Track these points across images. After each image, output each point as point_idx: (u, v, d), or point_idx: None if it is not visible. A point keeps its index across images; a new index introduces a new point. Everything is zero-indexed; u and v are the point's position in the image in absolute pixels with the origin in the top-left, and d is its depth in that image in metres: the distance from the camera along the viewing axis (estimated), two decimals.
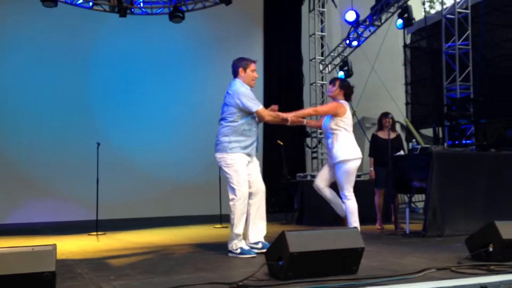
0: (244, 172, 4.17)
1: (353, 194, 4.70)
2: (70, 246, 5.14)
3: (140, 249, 4.85)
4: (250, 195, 4.23)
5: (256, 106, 4.22)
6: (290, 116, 4.52)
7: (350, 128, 4.84)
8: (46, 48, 9.71)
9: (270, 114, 4.35)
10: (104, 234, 6.50)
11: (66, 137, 9.61)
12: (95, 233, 6.49)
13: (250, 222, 4.25)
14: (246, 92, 4.24)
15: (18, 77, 9.58)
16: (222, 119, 4.30)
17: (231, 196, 4.15)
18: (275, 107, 4.47)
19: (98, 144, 6.78)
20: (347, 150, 4.70)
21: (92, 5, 9.91)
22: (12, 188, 9.15)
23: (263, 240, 4.25)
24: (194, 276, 3.21)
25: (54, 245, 2.56)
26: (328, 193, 4.87)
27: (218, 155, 4.24)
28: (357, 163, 4.74)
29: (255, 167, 4.35)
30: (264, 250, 3.64)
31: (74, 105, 9.87)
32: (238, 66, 4.38)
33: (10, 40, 9.54)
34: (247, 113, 4.22)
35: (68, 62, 9.85)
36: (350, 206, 4.69)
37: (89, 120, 9.87)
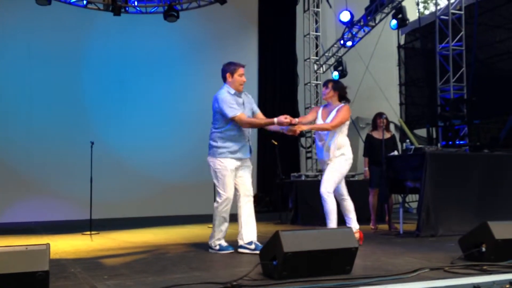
0: (230, 177, 4.28)
1: (332, 194, 4.63)
2: (63, 246, 5.12)
3: (134, 249, 4.84)
4: (239, 197, 4.34)
5: (233, 112, 4.22)
6: (304, 127, 4.58)
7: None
8: (40, 47, 9.67)
9: (248, 122, 4.33)
10: (98, 233, 6.48)
11: (60, 136, 9.58)
12: (89, 232, 6.46)
13: (243, 223, 4.32)
14: (227, 98, 4.27)
15: (11, 75, 9.54)
16: (212, 124, 4.42)
17: (216, 199, 4.36)
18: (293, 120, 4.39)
19: (92, 143, 6.76)
20: (348, 149, 4.75)
21: (86, 3, 9.88)
22: (5, 187, 9.11)
23: (255, 240, 4.26)
24: (188, 275, 3.20)
25: (48, 245, 2.55)
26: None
27: (209, 158, 4.39)
28: (350, 165, 4.76)
29: (246, 171, 4.42)
30: (257, 252, 3.70)
31: (68, 104, 9.84)
32: (226, 71, 4.40)
33: (2, 38, 9.48)
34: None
35: (62, 60, 9.82)
36: (328, 205, 4.62)
37: (83, 119, 9.85)
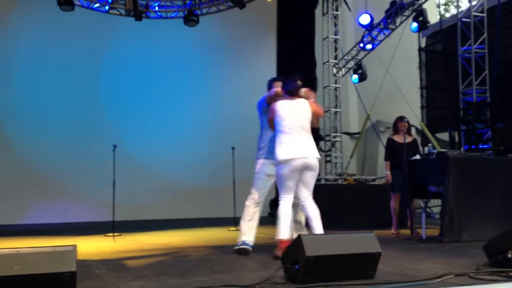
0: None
1: (284, 198, 4.30)
2: (87, 247, 5.20)
3: (156, 251, 4.89)
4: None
5: None
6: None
7: None
8: (63, 51, 9.85)
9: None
10: (120, 235, 6.56)
11: (83, 140, 9.74)
12: (111, 234, 6.55)
13: None
14: None
15: (34, 80, 9.72)
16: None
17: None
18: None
19: (115, 146, 6.85)
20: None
21: (108, 9, 10.04)
22: (31, 190, 9.29)
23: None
24: (210, 278, 3.23)
25: (75, 246, 2.57)
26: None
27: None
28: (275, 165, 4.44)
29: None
30: None
31: (91, 108, 10.00)
32: (268, 86, 4.69)
33: (26, 42, 9.69)
34: None
35: (85, 65, 9.98)
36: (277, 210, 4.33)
37: (106, 123, 10.00)
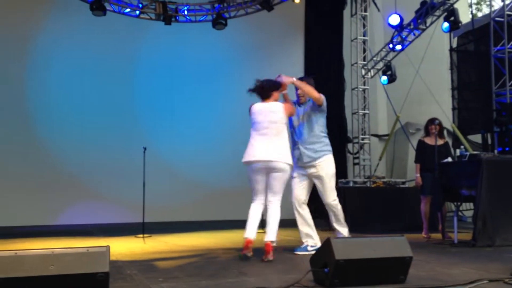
0: None
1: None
2: (119, 248, 5.29)
3: (186, 252, 4.95)
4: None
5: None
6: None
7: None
8: (94, 55, 10.05)
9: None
10: (150, 236, 6.65)
11: (114, 142, 9.91)
12: (141, 235, 6.66)
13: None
14: None
15: (66, 83, 9.94)
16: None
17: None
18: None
19: (145, 148, 6.96)
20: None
21: (139, 13, 10.22)
22: (63, 191, 9.50)
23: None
24: (240, 280, 3.25)
25: (108, 247, 2.61)
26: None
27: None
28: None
29: None
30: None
31: (121, 111, 10.17)
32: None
33: (60, 47, 9.92)
34: None
35: (116, 68, 10.17)
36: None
37: (136, 126, 10.15)
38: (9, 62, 9.50)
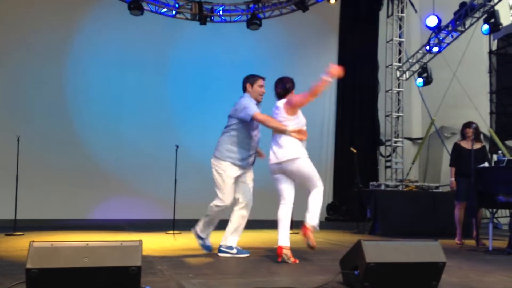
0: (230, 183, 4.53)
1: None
2: (150, 243, 5.38)
3: (215, 250, 4.97)
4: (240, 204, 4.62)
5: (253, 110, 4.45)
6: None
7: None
8: (130, 54, 10.25)
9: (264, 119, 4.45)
10: (180, 233, 6.74)
11: (147, 139, 10.08)
12: (172, 232, 6.75)
13: (234, 229, 4.62)
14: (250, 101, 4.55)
15: (103, 82, 10.17)
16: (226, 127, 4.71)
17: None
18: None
19: (177, 146, 7.06)
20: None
21: (175, 13, 10.36)
22: (97, 187, 9.72)
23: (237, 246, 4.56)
24: (269, 279, 3.26)
25: (140, 241, 2.65)
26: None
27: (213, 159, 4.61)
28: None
29: (250, 178, 4.75)
30: (240, 255, 4.40)
31: (155, 109, 10.33)
32: (246, 81, 4.67)
33: (97, 46, 10.14)
34: (247, 124, 4.54)
35: (151, 67, 10.35)
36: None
37: (169, 124, 10.30)
38: (49, 62, 9.79)
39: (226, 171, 4.52)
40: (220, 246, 4.56)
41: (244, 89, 4.71)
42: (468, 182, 5.74)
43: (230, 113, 4.69)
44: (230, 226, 4.61)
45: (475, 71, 11.45)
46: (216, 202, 4.58)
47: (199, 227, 4.72)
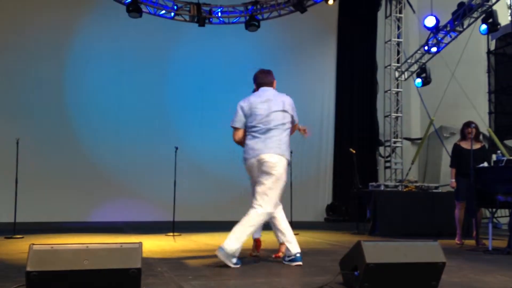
0: None
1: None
2: (149, 245, 5.37)
3: (214, 251, 4.96)
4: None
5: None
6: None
7: None
8: (129, 56, 10.28)
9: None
10: (180, 235, 6.73)
11: (146, 141, 10.11)
12: (171, 233, 6.75)
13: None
14: None
15: (103, 83, 10.19)
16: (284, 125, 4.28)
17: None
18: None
19: (176, 148, 7.04)
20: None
21: (174, 15, 10.37)
22: (96, 189, 9.74)
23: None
24: (268, 280, 3.25)
25: (140, 243, 2.65)
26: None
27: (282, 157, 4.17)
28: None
29: None
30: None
31: (154, 111, 10.36)
32: (272, 77, 4.56)
33: (95, 48, 10.17)
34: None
35: (150, 69, 10.37)
36: None
37: (168, 125, 10.32)
38: (48, 63, 9.81)
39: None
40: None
41: (270, 84, 4.52)
42: (468, 182, 5.74)
43: (285, 108, 4.27)
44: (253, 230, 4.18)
45: (474, 71, 11.47)
46: (267, 208, 4.18)
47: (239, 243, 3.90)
